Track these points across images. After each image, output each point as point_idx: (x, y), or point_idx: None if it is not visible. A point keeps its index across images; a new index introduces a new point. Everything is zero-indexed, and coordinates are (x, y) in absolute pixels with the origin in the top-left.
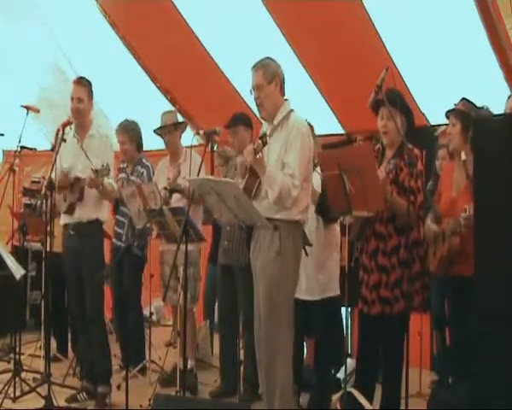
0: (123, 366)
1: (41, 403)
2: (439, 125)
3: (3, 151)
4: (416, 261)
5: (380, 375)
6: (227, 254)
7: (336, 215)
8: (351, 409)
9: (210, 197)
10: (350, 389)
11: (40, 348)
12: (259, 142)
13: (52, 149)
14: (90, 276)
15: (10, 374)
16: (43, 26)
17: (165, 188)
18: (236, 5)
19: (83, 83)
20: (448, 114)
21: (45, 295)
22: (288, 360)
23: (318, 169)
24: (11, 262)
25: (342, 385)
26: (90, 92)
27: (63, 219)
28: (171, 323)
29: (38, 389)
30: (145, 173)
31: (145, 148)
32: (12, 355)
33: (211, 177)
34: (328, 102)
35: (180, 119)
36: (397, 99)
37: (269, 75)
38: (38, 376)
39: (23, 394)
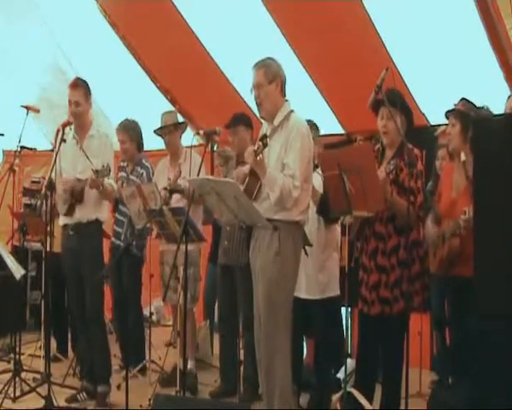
0: (123, 366)
1: (41, 403)
2: (439, 125)
3: (3, 151)
4: (415, 262)
5: (380, 375)
6: (227, 254)
7: (336, 215)
8: (351, 409)
9: (210, 197)
10: (350, 389)
11: (40, 348)
12: (260, 143)
13: (52, 150)
14: (90, 276)
15: (10, 374)
16: (43, 26)
17: (165, 188)
18: (236, 5)
19: (78, 86)
20: (448, 114)
21: (45, 295)
22: (286, 360)
23: (319, 170)
24: (11, 262)
25: (342, 385)
26: (87, 93)
27: (62, 220)
28: (171, 323)
29: (38, 389)
30: (144, 174)
31: (145, 148)
32: (12, 355)
33: (211, 177)
34: (328, 102)
35: (180, 119)
36: (397, 99)
37: (270, 75)
38: (38, 376)
39: (23, 394)
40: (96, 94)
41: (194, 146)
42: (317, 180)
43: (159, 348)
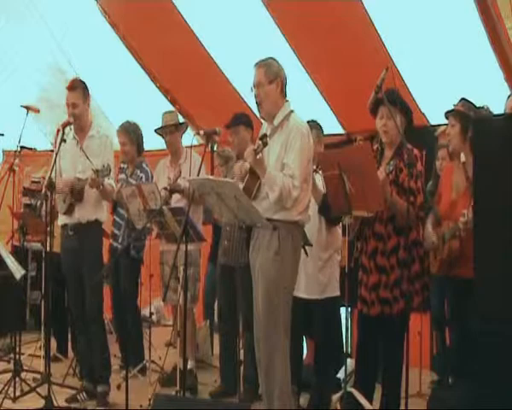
0: (123, 366)
1: (41, 403)
2: (439, 125)
3: (3, 151)
4: (415, 261)
5: (380, 375)
6: (227, 254)
7: (336, 215)
8: (351, 409)
9: (210, 197)
10: (350, 389)
11: (40, 348)
12: (259, 143)
13: (52, 150)
14: (90, 276)
15: (10, 374)
16: (43, 26)
17: (166, 188)
18: (236, 5)
19: (75, 87)
20: (447, 114)
21: (45, 295)
22: (285, 360)
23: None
24: (11, 262)
25: (342, 385)
26: (85, 93)
27: (62, 220)
28: (171, 323)
29: (38, 389)
30: (143, 179)
31: (145, 147)
32: (12, 355)
33: (211, 177)
34: (328, 102)
35: (181, 119)
36: (396, 98)
37: (270, 75)
38: (38, 376)
39: (23, 394)
40: (96, 94)
41: (194, 146)
42: (320, 180)
43: (159, 348)
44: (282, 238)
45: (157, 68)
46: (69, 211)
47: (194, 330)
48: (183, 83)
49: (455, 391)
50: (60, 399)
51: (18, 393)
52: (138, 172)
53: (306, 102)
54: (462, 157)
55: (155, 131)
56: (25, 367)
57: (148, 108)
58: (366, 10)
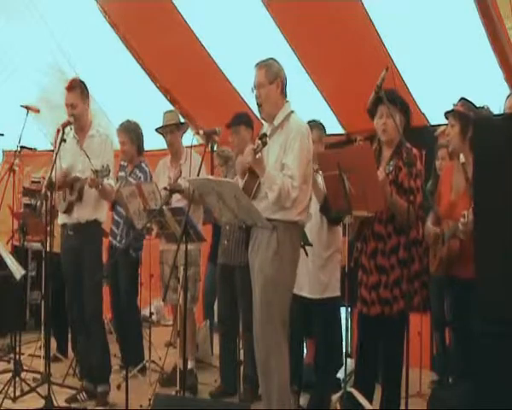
0: (123, 366)
1: (41, 403)
2: (439, 125)
3: (3, 151)
4: (415, 260)
5: (380, 375)
6: (226, 253)
7: (336, 215)
8: (351, 409)
9: (210, 197)
10: (350, 389)
11: (40, 348)
12: (259, 142)
13: (53, 150)
14: (89, 276)
15: (10, 374)
16: (43, 26)
17: (166, 188)
18: (236, 5)
19: (73, 87)
20: (447, 114)
21: (45, 295)
22: (283, 360)
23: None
24: (11, 262)
25: (342, 385)
26: (83, 93)
27: (61, 219)
28: (171, 323)
29: (38, 389)
30: (142, 179)
31: (145, 147)
32: (12, 355)
33: (211, 177)
34: (328, 102)
35: (182, 119)
36: (396, 98)
37: (271, 75)
38: (38, 376)
39: (23, 394)
40: (97, 94)
41: (194, 146)
42: (321, 180)
43: (159, 348)
44: (280, 238)
45: (157, 68)
46: (69, 210)
47: (194, 330)
48: (183, 83)
49: (455, 391)
50: (60, 399)
51: (18, 393)
52: (137, 171)
53: (306, 102)
54: (462, 158)
55: (156, 130)
56: (25, 367)
57: (148, 108)
58: (366, 10)
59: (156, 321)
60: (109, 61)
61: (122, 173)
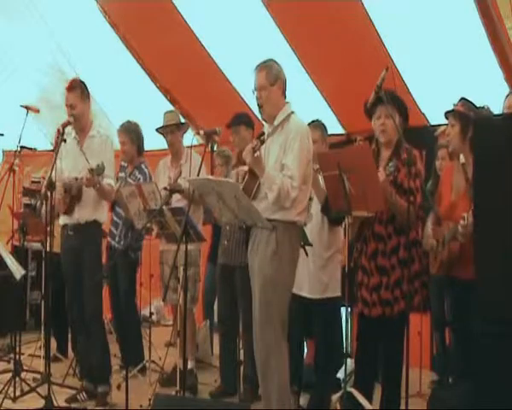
0: (123, 366)
1: (41, 403)
2: (439, 125)
3: (3, 151)
4: (415, 260)
5: (379, 375)
6: (227, 253)
7: (337, 215)
8: (351, 409)
9: (210, 197)
10: (350, 389)
11: (40, 348)
12: (257, 141)
13: (53, 150)
14: (89, 276)
15: (10, 374)
16: (43, 26)
17: (166, 188)
18: (236, 5)
19: (73, 88)
20: (447, 114)
21: (45, 295)
22: (282, 360)
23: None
24: (11, 262)
25: (342, 385)
26: (83, 94)
27: (62, 220)
28: (171, 323)
29: (38, 389)
30: (141, 180)
31: (146, 147)
32: (12, 355)
33: (211, 177)
34: (328, 103)
35: (182, 119)
36: (395, 99)
37: (272, 77)
38: (38, 376)
39: (23, 394)
40: (97, 94)
41: (194, 146)
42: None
43: (159, 348)
44: (279, 238)
45: (157, 68)
46: (69, 210)
47: (194, 331)
48: (183, 83)
49: (455, 391)
50: (60, 399)
51: (18, 393)
52: (137, 173)
53: (306, 102)
54: (462, 158)
55: (157, 130)
56: (25, 367)
57: (148, 108)
58: (366, 10)
59: (156, 321)
60: (109, 62)
61: (122, 174)
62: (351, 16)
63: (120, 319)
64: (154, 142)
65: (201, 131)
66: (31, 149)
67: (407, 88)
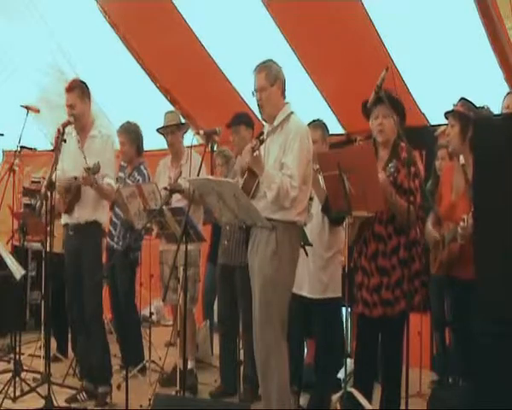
0: (123, 366)
1: (41, 403)
2: (439, 125)
3: (3, 151)
4: (415, 260)
5: (379, 374)
6: (227, 253)
7: (337, 215)
8: (351, 409)
9: (210, 197)
10: (350, 389)
11: (40, 348)
12: (256, 140)
13: (53, 150)
14: (89, 276)
15: (10, 374)
16: (43, 26)
17: (166, 188)
18: (236, 5)
19: (72, 88)
20: (446, 115)
21: (45, 295)
22: (282, 360)
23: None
24: (11, 262)
25: (342, 385)
26: (83, 94)
27: (63, 219)
28: (171, 323)
29: (38, 389)
30: (140, 181)
31: (145, 147)
32: (12, 355)
33: (211, 177)
34: (328, 103)
35: (182, 120)
36: (394, 100)
37: (271, 77)
38: (38, 376)
39: (23, 394)
40: (97, 94)
41: (194, 146)
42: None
43: (159, 348)
44: (279, 238)
45: (157, 68)
46: (69, 210)
47: (194, 331)
48: (183, 83)
49: (455, 391)
50: (60, 399)
51: (18, 393)
52: (136, 174)
53: (306, 102)
54: (462, 159)
55: (157, 130)
56: (25, 367)
57: (148, 108)
58: (366, 10)
59: (156, 321)
60: (109, 61)
61: (121, 174)
62: (351, 16)
63: (120, 319)
64: (154, 142)
65: (201, 131)
66: (31, 149)
67: (407, 88)
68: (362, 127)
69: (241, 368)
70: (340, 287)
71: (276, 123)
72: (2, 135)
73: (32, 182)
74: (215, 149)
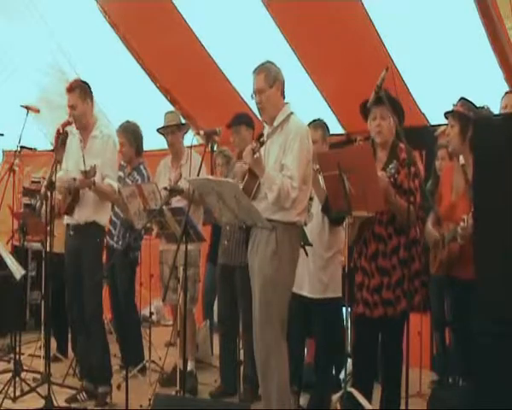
0: (123, 366)
1: (41, 403)
2: (439, 125)
3: (3, 151)
4: (415, 260)
5: (379, 374)
6: (227, 253)
7: (337, 215)
8: (351, 409)
9: (210, 197)
10: (350, 389)
11: (40, 348)
12: (257, 142)
13: (53, 150)
14: (89, 276)
15: (10, 374)
16: (43, 26)
17: (165, 188)
18: (236, 5)
19: (73, 89)
20: (446, 115)
21: (45, 295)
22: (282, 360)
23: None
24: (11, 262)
25: (342, 385)
26: (84, 94)
27: (65, 219)
28: (171, 323)
29: (38, 389)
30: (139, 181)
31: (145, 147)
32: (12, 355)
33: (211, 177)
34: (328, 103)
35: (183, 120)
36: (393, 100)
37: (270, 79)
38: (38, 376)
39: (23, 394)
40: (96, 94)
41: (194, 146)
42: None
43: (159, 348)
44: (279, 238)
45: (157, 68)
46: (69, 211)
47: (194, 331)
48: (183, 83)
49: (455, 391)
50: (60, 399)
51: (18, 393)
52: (135, 174)
53: (306, 102)
54: (462, 160)
55: (157, 130)
56: (25, 367)
57: (148, 108)
58: (366, 10)
59: (156, 321)
60: (109, 61)
61: (121, 173)
62: (351, 16)
63: (120, 319)
64: (153, 142)
65: (201, 132)
66: (31, 149)
67: (407, 88)
68: (362, 127)
69: (241, 368)
70: (341, 287)
71: (275, 123)
72: (2, 135)
73: (32, 182)
74: (215, 149)
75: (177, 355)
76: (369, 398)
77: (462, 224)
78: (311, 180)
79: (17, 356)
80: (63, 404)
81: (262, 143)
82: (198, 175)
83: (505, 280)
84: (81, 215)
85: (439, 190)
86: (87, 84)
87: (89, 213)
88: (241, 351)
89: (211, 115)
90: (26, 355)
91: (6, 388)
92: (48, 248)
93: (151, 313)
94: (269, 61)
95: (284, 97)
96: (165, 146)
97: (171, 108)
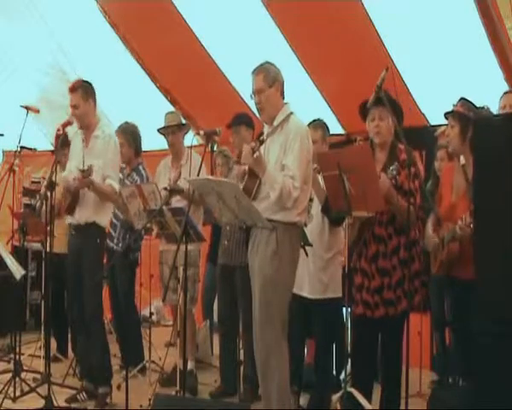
0: (123, 366)
1: (41, 403)
2: (439, 126)
3: (3, 151)
4: (415, 260)
5: (379, 374)
6: (227, 254)
7: (337, 215)
8: (351, 409)
9: (210, 197)
10: (350, 389)
11: (40, 348)
12: (256, 141)
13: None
14: (89, 276)
15: (10, 374)
16: (43, 26)
17: (165, 188)
18: (236, 5)
19: (75, 89)
20: (446, 115)
21: (45, 295)
22: (282, 360)
23: None
24: (11, 262)
25: (342, 385)
26: (86, 94)
27: (67, 219)
28: (171, 323)
29: (38, 389)
30: (139, 182)
31: (145, 148)
32: (12, 355)
33: (211, 177)
34: (328, 103)
35: (183, 120)
36: (392, 101)
37: (270, 79)
38: (38, 376)
39: (23, 394)
40: (97, 94)
41: (194, 146)
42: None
43: (159, 348)
44: (280, 239)
45: (157, 68)
46: (69, 210)
47: (194, 331)
48: (183, 83)
49: (455, 391)
50: (60, 399)
51: (18, 393)
52: (134, 174)
53: (306, 102)
54: (462, 160)
55: (158, 130)
56: (25, 367)
57: (149, 108)
58: (366, 10)
59: (156, 321)
60: (109, 62)
61: (120, 175)
62: (351, 16)
63: (120, 320)
64: (154, 142)
65: (201, 132)
66: (31, 149)
67: (407, 88)
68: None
69: (241, 368)
70: (341, 287)
71: (275, 123)
72: (2, 135)
73: (32, 182)
74: (215, 149)
75: (177, 355)
76: (369, 398)
77: (460, 222)
78: (311, 180)
79: (17, 356)
80: (63, 404)
81: (262, 142)
82: (198, 175)
83: (505, 280)
84: (81, 215)
85: (439, 190)
86: (90, 83)
87: (89, 213)
88: (241, 351)
89: (211, 115)
90: (26, 355)
91: (6, 388)
92: (48, 249)
93: (151, 314)
94: (268, 62)
95: (284, 98)
96: (166, 146)
97: (171, 108)
